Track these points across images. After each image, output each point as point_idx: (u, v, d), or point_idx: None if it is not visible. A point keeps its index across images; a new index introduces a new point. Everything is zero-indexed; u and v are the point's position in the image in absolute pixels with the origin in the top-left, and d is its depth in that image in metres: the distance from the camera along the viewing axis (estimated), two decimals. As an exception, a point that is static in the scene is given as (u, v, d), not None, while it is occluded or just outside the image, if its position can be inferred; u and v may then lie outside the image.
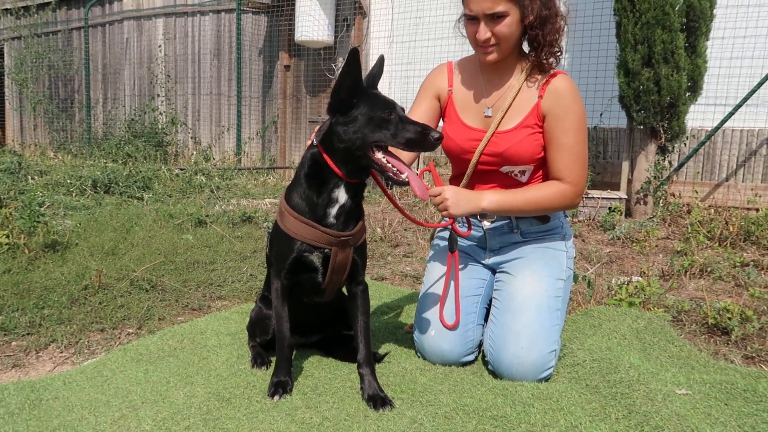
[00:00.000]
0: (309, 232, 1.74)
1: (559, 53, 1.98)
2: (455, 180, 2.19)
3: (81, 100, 10.40)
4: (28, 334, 2.29)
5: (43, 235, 3.37)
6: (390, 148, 1.70)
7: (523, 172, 2.06)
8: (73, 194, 5.34)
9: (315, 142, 1.75)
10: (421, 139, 1.64)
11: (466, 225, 2.11)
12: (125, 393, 1.81)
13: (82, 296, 2.64)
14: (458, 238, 2.10)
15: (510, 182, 2.08)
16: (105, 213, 4.44)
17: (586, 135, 2.01)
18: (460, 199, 1.92)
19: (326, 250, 1.77)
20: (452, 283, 2.08)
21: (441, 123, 2.24)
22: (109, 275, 2.88)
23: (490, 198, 1.97)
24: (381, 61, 1.86)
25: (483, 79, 2.08)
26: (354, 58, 1.64)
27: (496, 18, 1.88)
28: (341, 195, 1.74)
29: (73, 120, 10.65)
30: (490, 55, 1.96)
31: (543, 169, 2.09)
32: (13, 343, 2.23)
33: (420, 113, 2.13)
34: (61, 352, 2.18)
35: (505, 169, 2.06)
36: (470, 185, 2.12)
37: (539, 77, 2.00)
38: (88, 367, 2.01)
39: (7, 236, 3.22)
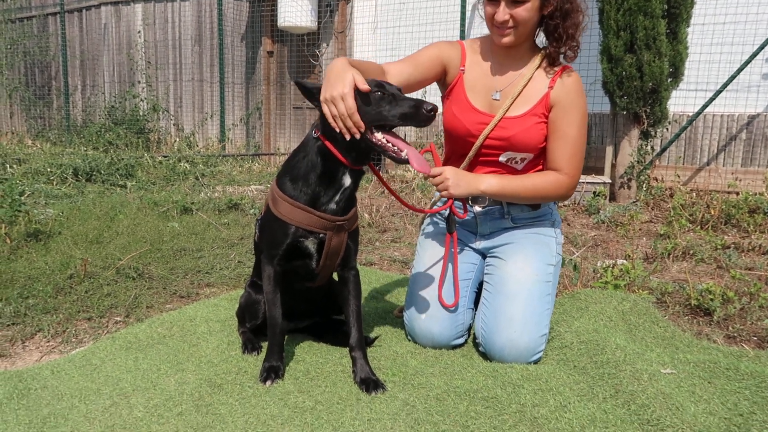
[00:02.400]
0: (304, 217, 1.74)
1: (577, 48, 2.01)
2: (448, 163, 2.20)
3: (58, 87, 10.20)
4: (13, 324, 2.26)
5: (24, 224, 3.32)
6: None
7: (523, 160, 2.08)
8: (54, 183, 5.25)
9: (316, 134, 1.74)
10: (414, 112, 1.62)
11: (463, 208, 2.12)
12: (115, 381, 1.80)
13: (67, 285, 2.61)
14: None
15: (507, 169, 2.10)
16: (87, 201, 4.38)
17: (586, 131, 2.06)
18: (460, 179, 1.94)
19: (321, 235, 1.77)
20: (450, 264, 2.09)
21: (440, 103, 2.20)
22: (95, 264, 2.85)
23: (490, 182, 1.99)
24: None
25: (494, 63, 2.09)
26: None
27: (517, 1, 1.90)
28: (347, 181, 1.74)
29: (51, 107, 10.44)
30: (506, 37, 1.97)
31: (540, 159, 2.11)
32: (-1, 333, 2.20)
33: (417, 59, 2.08)
34: (48, 342, 2.16)
35: (506, 155, 2.07)
36: (469, 168, 2.13)
37: (550, 68, 2.04)
38: (77, 355, 1.99)
39: (-12, 225, 3.17)
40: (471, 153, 2.08)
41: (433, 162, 2.04)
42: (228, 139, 8.38)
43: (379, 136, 1.66)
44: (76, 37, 10.04)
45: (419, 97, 1.72)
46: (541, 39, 2.09)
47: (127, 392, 1.73)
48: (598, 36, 5.07)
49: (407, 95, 1.70)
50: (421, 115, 1.62)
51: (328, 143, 1.70)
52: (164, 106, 9.07)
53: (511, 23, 1.94)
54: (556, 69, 2.03)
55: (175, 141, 8.73)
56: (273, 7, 7.73)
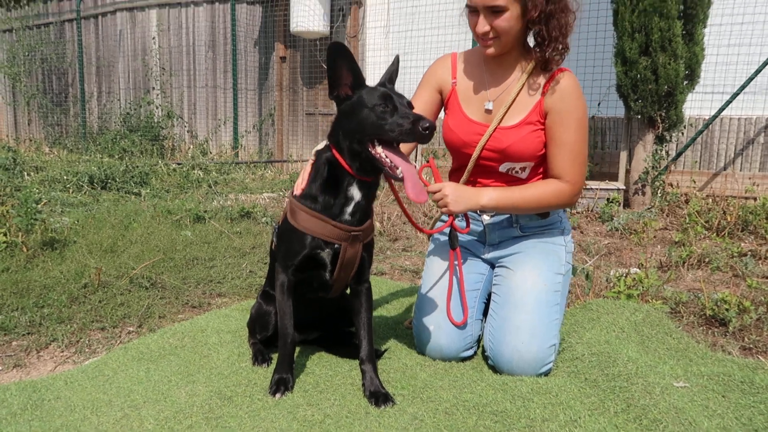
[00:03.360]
0: (321, 227, 1.74)
1: (564, 50, 1.94)
2: (455, 173, 2.19)
3: (75, 94, 10.34)
4: (29, 333, 2.30)
5: (40, 232, 3.36)
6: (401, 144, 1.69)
7: (523, 169, 2.06)
8: (70, 191, 5.32)
9: (327, 142, 1.75)
10: (411, 129, 1.60)
11: (465, 221, 2.12)
12: (127, 392, 1.82)
13: (81, 294, 2.64)
14: (458, 234, 2.11)
15: (510, 178, 2.08)
16: (102, 209, 4.43)
17: (586, 134, 2.01)
18: (459, 195, 1.92)
19: (336, 246, 1.76)
20: (456, 279, 2.08)
21: (442, 114, 2.22)
22: (109, 273, 2.88)
23: (490, 195, 1.97)
24: (396, 59, 1.87)
25: (486, 72, 2.07)
26: (335, 51, 1.65)
27: (495, 12, 1.87)
28: (355, 193, 1.73)
29: (68, 114, 10.59)
30: (490, 48, 1.96)
31: (543, 166, 2.09)
32: (14, 343, 2.23)
33: (419, 104, 2.12)
34: (62, 352, 2.18)
35: (505, 166, 2.05)
36: (471, 179, 2.12)
37: (543, 74, 1.99)
38: (90, 366, 2.01)
39: (5, 234, 3.21)
40: (469, 165, 2.07)
41: (433, 178, 2.02)
42: (241, 145, 8.44)
43: (378, 150, 1.64)
44: (92, 44, 10.17)
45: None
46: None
47: (138, 404, 1.75)
48: (612, 38, 5.03)
49: (410, 111, 1.66)
50: (416, 132, 1.59)
51: (334, 150, 1.72)
52: (178, 112, 9.15)
53: (492, 34, 1.91)
54: (549, 72, 1.98)
55: (189, 148, 8.81)
56: (286, 12, 7.78)
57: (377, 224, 4.16)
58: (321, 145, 1.81)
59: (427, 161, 2.07)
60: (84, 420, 1.67)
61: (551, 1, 1.88)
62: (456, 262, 2.09)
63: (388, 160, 1.64)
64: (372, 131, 1.63)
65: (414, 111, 1.69)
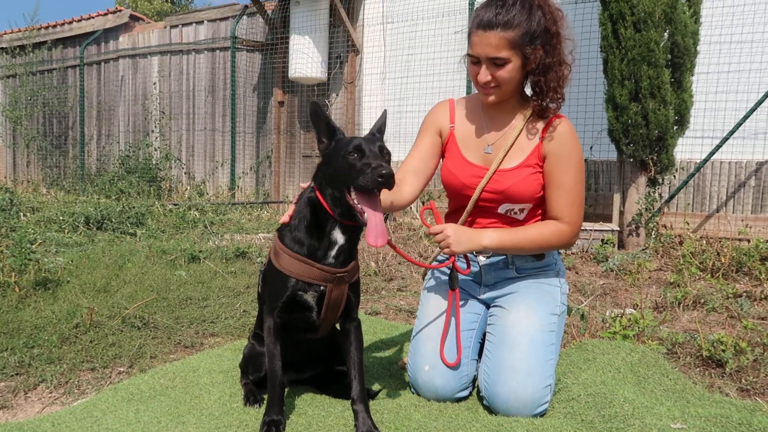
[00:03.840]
0: (304, 269, 1.75)
1: (561, 100, 2.02)
2: (452, 215, 2.22)
3: (75, 137, 10.46)
4: (17, 374, 2.26)
5: (34, 272, 3.35)
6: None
7: (522, 210, 2.09)
8: (66, 231, 5.32)
9: (312, 184, 1.79)
10: (370, 176, 1.61)
11: (465, 262, 2.13)
12: (115, 434, 1.78)
13: (72, 335, 2.61)
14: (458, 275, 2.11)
15: (508, 220, 2.11)
16: (97, 250, 4.42)
17: (584, 177, 2.06)
18: (461, 236, 1.95)
19: (321, 288, 1.77)
20: (453, 320, 2.08)
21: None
22: (101, 313, 2.86)
23: (491, 236, 2.00)
24: (384, 113, 1.93)
25: (485, 117, 2.13)
26: (315, 109, 1.75)
27: (497, 63, 1.94)
28: (338, 236, 1.76)
29: (67, 156, 10.68)
30: (490, 96, 2.02)
31: (541, 208, 2.12)
32: (1, 384, 2.19)
33: (420, 150, 2.17)
34: (51, 393, 2.14)
35: (504, 207, 2.08)
36: (469, 220, 2.14)
37: (540, 119, 2.05)
38: (78, 407, 1.98)
39: (-2, 274, 3.19)
40: (469, 206, 2.10)
41: (434, 219, 2.05)
42: (238, 187, 8.50)
43: (352, 196, 1.68)
44: (93, 89, 10.35)
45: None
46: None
47: (126, 446, 1.71)
48: (603, 85, 5.16)
49: (374, 160, 1.66)
50: (374, 180, 1.60)
51: (318, 193, 1.75)
52: (176, 155, 9.25)
53: (493, 83, 1.97)
54: (546, 119, 2.04)
55: (186, 189, 8.86)
56: (284, 59, 7.96)
57: (372, 264, 4.16)
58: (306, 184, 1.84)
59: (427, 203, 2.09)
60: (70, 462, 1.63)
61: (549, 54, 1.96)
62: (455, 303, 2.08)
63: (359, 206, 1.67)
64: (344, 179, 1.68)
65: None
